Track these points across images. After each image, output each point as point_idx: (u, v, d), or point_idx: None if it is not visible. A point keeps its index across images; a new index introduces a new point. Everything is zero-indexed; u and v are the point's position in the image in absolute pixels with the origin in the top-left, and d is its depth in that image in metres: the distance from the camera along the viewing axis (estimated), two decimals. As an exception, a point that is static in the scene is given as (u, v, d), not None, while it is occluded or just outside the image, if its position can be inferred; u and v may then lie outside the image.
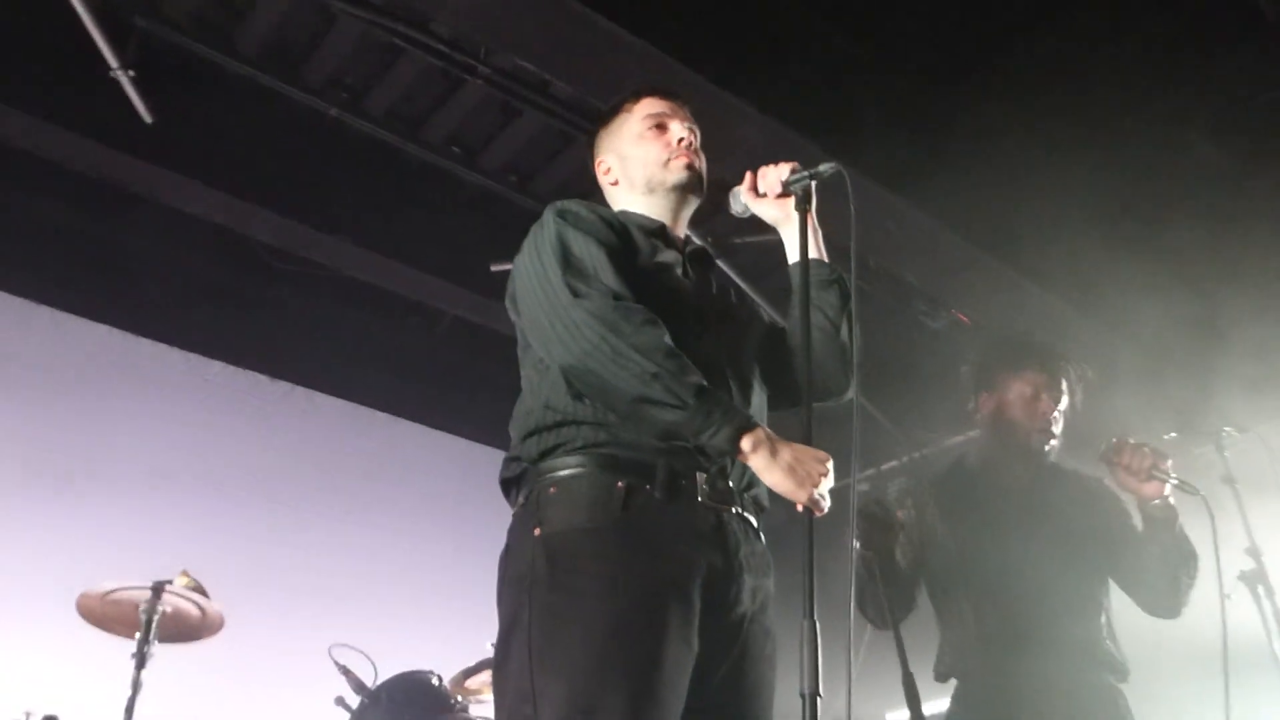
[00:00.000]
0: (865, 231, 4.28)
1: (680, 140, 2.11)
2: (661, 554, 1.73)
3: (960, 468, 2.96)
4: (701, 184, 2.13)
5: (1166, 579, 2.62)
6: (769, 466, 1.71)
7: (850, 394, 2.09)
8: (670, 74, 3.65)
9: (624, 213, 2.11)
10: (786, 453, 1.71)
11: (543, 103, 4.39)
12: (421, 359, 5.59)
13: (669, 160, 2.09)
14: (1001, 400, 2.84)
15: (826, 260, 2.09)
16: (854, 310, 2.09)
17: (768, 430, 1.75)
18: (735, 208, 2.11)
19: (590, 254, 1.87)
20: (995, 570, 2.65)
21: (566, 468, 1.80)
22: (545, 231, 1.93)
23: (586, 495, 1.77)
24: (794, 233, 1.99)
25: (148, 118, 4.03)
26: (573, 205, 2.00)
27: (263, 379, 5.13)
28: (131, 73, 3.92)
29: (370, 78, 4.44)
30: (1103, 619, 2.69)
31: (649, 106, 2.17)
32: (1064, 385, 2.83)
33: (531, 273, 1.89)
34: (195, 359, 4.96)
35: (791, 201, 2.00)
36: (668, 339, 1.77)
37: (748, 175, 2.10)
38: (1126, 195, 4.17)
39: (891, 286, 5.11)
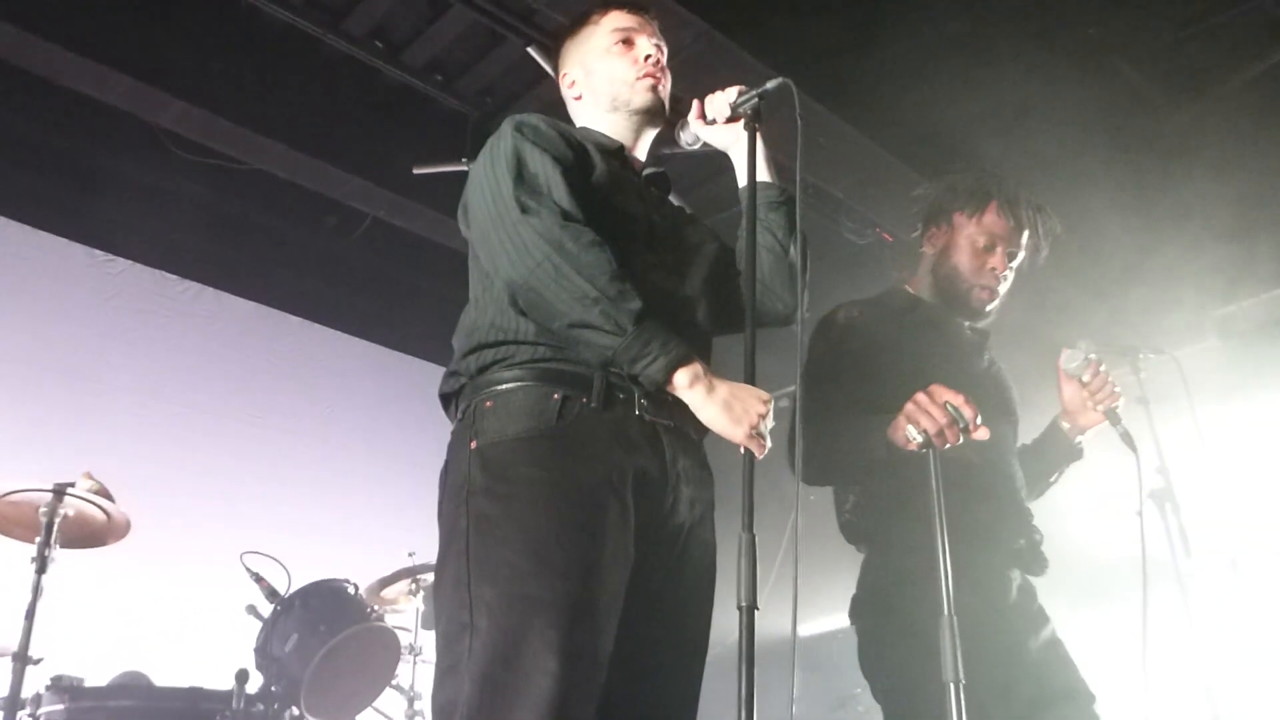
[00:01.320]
0: (803, 149, 4.41)
1: (647, 58, 2.09)
2: (595, 459, 1.74)
3: (903, 304, 2.59)
4: (664, 108, 2.10)
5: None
6: (704, 403, 1.72)
7: (790, 319, 2.06)
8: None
9: (585, 130, 2.10)
10: (723, 389, 1.72)
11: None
12: (338, 262, 5.45)
13: (635, 79, 2.08)
14: (950, 241, 2.55)
15: (775, 181, 2.08)
16: (801, 230, 2.04)
17: (705, 366, 1.75)
18: (685, 139, 2.09)
19: (545, 171, 1.85)
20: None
21: (504, 382, 1.80)
22: (501, 144, 1.90)
23: (522, 406, 1.77)
24: (743, 155, 1.96)
25: None
26: (532, 119, 1.96)
27: (170, 278, 4.96)
28: None
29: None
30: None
31: (616, 20, 2.14)
32: (1024, 239, 2.54)
33: (484, 185, 1.86)
34: (98, 255, 4.76)
35: (741, 124, 1.98)
36: (613, 262, 1.75)
37: (694, 104, 2.07)
38: (1057, 118, 4.21)
39: (818, 201, 5.05)
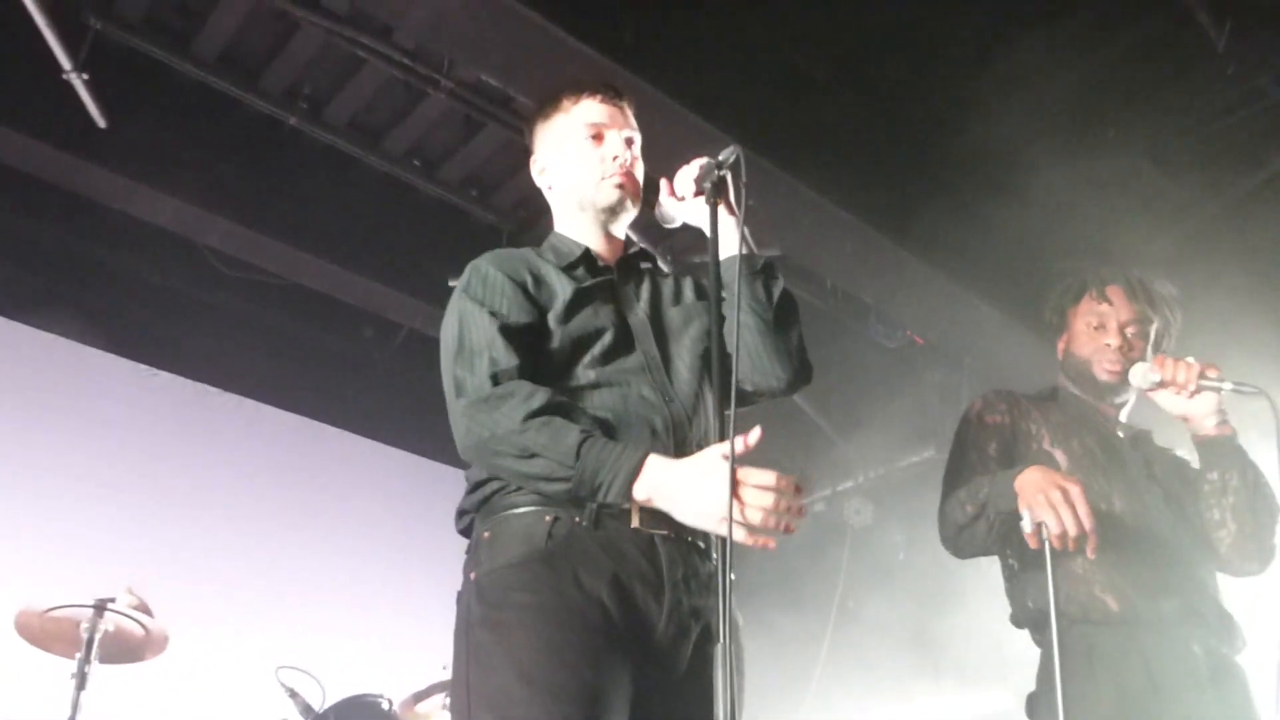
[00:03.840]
0: (824, 252, 4.48)
1: (615, 157, 2.03)
2: (586, 578, 1.70)
3: (1056, 392, 2.66)
4: (635, 198, 2.05)
5: (1243, 522, 2.38)
6: (672, 506, 1.66)
7: (793, 387, 1.98)
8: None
9: (554, 237, 2.09)
10: (684, 487, 1.63)
11: (504, 116, 4.39)
12: (376, 373, 5.50)
13: (601, 180, 2.03)
14: (1070, 338, 2.64)
15: (750, 252, 1.96)
16: (785, 288, 1.98)
17: (663, 468, 1.66)
18: (665, 221, 2.05)
19: (481, 330, 1.83)
20: (1110, 508, 2.39)
21: (504, 509, 1.80)
22: (450, 311, 1.92)
23: (516, 531, 1.76)
24: (723, 228, 1.91)
25: (101, 121, 3.95)
26: (481, 266, 1.96)
27: (211, 390, 5.01)
28: (85, 75, 3.84)
29: (331, 87, 4.43)
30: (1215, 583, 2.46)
31: (589, 112, 2.08)
32: (1131, 310, 2.55)
33: (442, 349, 1.89)
34: (141, 368, 4.83)
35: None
36: (536, 405, 1.71)
37: (663, 183, 2.03)
38: (1079, 221, 4.24)
39: (849, 306, 5.12)
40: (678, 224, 2.03)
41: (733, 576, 1.65)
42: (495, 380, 1.77)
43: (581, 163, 2.05)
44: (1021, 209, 3.99)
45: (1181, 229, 4.34)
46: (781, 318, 1.96)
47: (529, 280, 1.94)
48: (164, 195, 4.32)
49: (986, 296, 4.68)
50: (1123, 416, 2.62)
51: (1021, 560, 2.45)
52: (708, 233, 1.92)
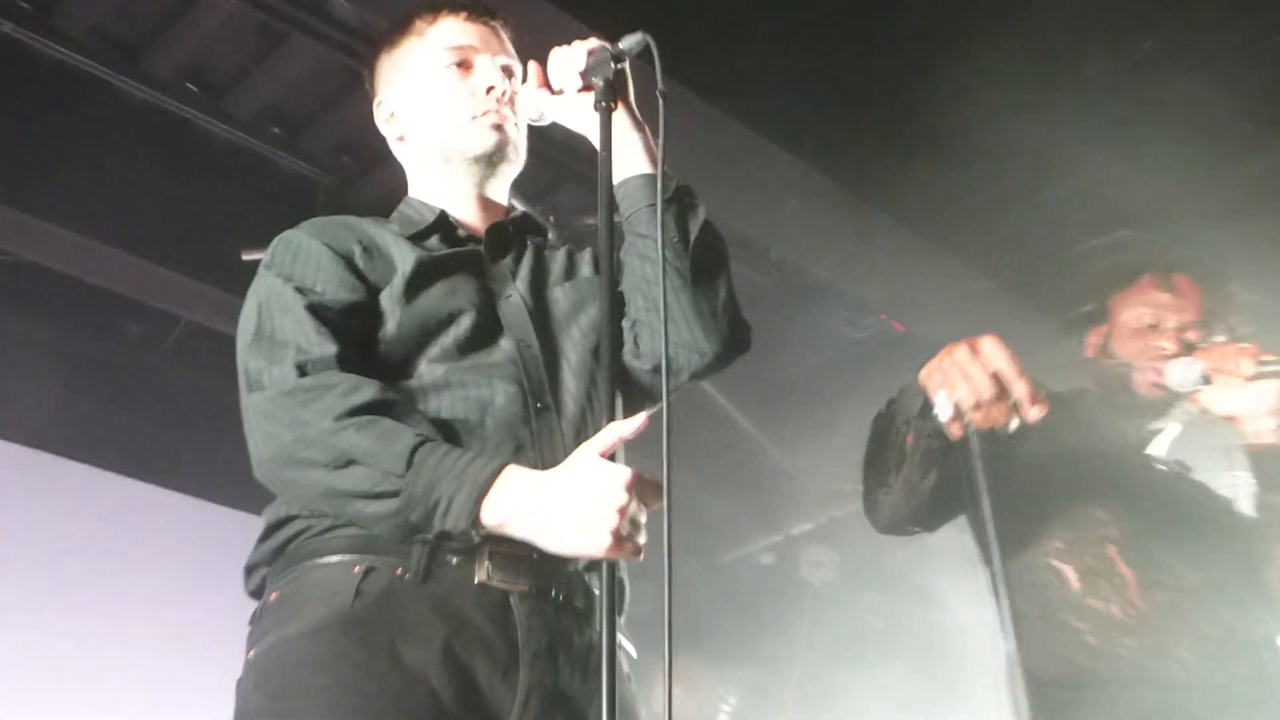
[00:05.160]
0: (765, 211, 4.50)
1: (489, 89, 2.02)
2: (405, 650, 1.64)
3: (1082, 399, 2.73)
4: (512, 150, 2.05)
5: None
6: (537, 532, 1.60)
7: (722, 360, 1.97)
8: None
9: (404, 204, 2.09)
10: (558, 498, 1.59)
11: (316, 24, 4.29)
12: (141, 384, 5.29)
13: (471, 119, 2.02)
14: (1110, 332, 2.68)
15: (656, 171, 1.90)
16: (707, 232, 1.95)
17: (524, 482, 1.62)
18: (530, 114, 2.02)
19: (287, 312, 1.82)
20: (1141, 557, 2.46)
21: (301, 560, 1.75)
22: (250, 294, 1.90)
23: (315, 591, 1.70)
24: (621, 142, 1.89)
25: None
26: (292, 236, 1.94)
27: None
28: None
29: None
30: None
31: (449, 33, 2.07)
32: (1204, 307, 2.61)
33: (237, 347, 1.86)
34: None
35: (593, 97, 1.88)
36: (357, 401, 1.68)
37: (534, 69, 1.99)
38: (1111, 169, 4.32)
39: (799, 284, 5.17)
40: (544, 123, 2.01)
41: (630, 648, 1.58)
42: (302, 371, 1.74)
43: (443, 99, 2.03)
44: (1033, 156, 4.09)
45: (1246, 171, 4.48)
46: (703, 263, 1.91)
47: (356, 251, 1.92)
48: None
49: (987, 270, 4.73)
50: (1161, 448, 2.67)
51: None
52: (591, 140, 1.90)
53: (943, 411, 2.10)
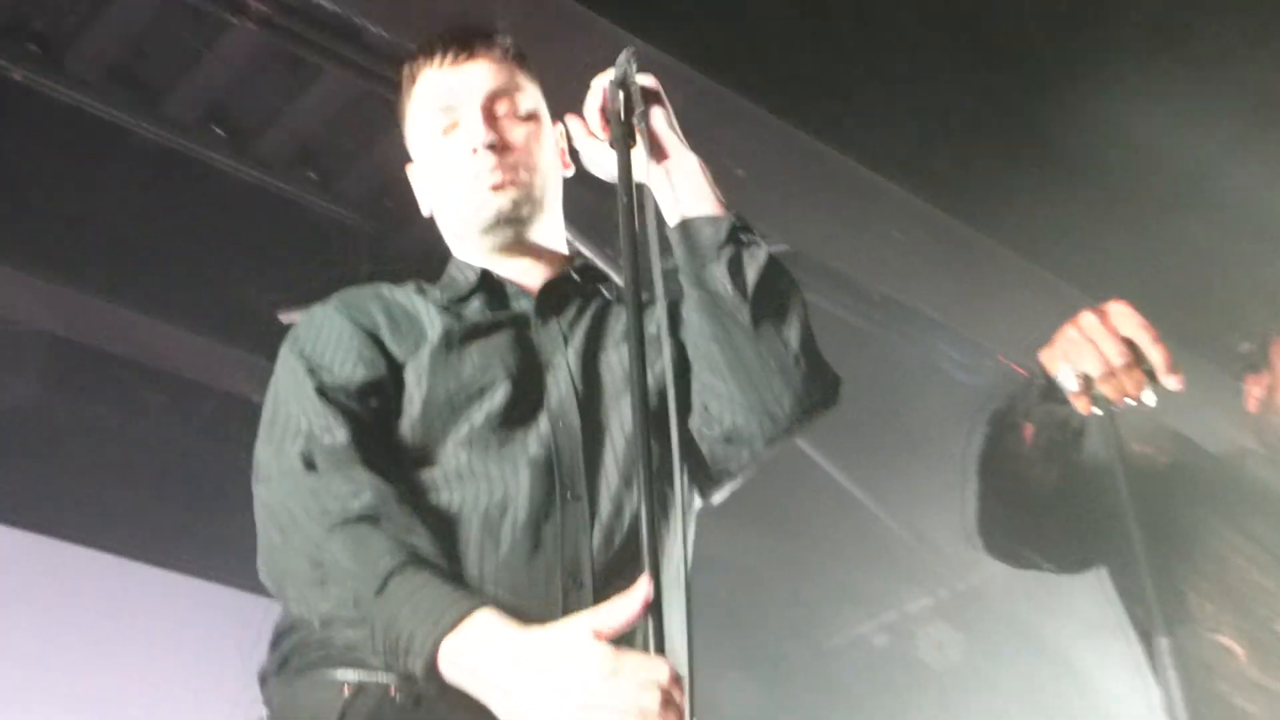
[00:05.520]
0: (864, 245, 4.40)
1: (475, 149, 2.00)
2: None
3: (1243, 463, 2.63)
4: (531, 197, 2.02)
5: None
6: (491, 699, 1.56)
7: (804, 419, 1.91)
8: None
9: (451, 265, 2.09)
10: (524, 679, 1.53)
11: (353, 56, 4.28)
12: (170, 460, 5.23)
13: (468, 187, 2.01)
14: (1275, 384, 2.60)
15: (709, 213, 1.90)
16: (771, 274, 1.90)
17: (490, 636, 1.57)
18: (593, 168, 2.01)
19: (298, 394, 1.83)
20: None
21: (298, 671, 1.75)
22: (275, 369, 1.93)
23: (298, 709, 1.71)
24: (656, 185, 1.90)
25: None
26: (318, 309, 1.96)
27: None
28: None
29: (75, 19, 4.26)
30: None
31: (431, 90, 2.06)
32: None
33: None
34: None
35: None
36: (357, 506, 1.67)
37: (573, 122, 2.00)
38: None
39: (904, 324, 5.11)
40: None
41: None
42: (309, 462, 1.75)
43: (438, 168, 2.06)
44: (1172, 180, 4.10)
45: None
46: (766, 312, 1.85)
47: (382, 323, 1.93)
48: None
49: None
50: None
51: None
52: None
53: (1068, 383, 2.01)
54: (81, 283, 4.55)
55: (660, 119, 1.90)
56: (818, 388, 1.88)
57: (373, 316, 1.95)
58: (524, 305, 2.01)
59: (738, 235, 1.88)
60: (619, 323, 2.03)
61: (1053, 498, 2.28)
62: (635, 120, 1.87)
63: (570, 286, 2.04)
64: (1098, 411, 2.02)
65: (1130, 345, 1.99)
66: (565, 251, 2.11)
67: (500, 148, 2.00)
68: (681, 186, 1.88)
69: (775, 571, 5.82)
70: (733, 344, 1.85)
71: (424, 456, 1.83)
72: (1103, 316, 2.02)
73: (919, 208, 4.41)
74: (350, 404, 1.82)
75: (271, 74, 4.50)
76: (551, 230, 2.08)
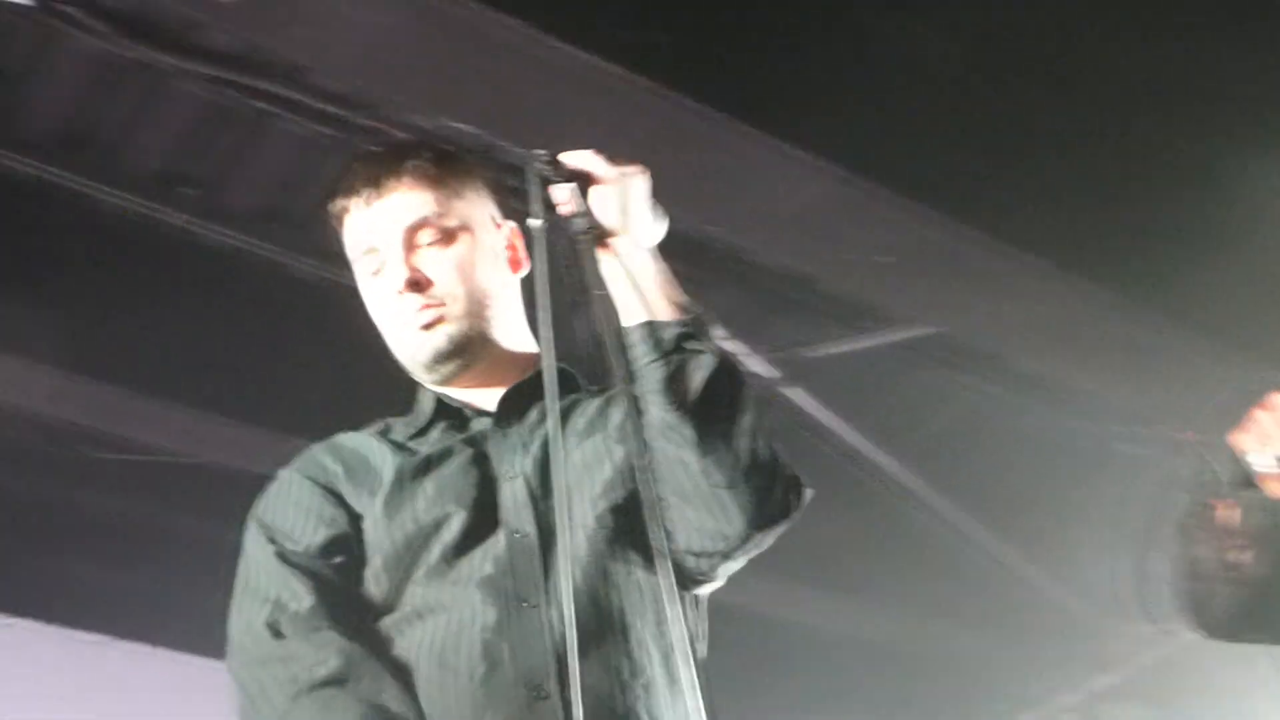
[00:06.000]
0: (1009, 320, 4.34)
1: (400, 291, 1.92)
2: None
3: None
4: (468, 332, 1.94)
5: None
6: None
7: (757, 537, 1.77)
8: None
9: (419, 391, 2.01)
10: None
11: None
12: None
13: (400, 329, 1.94)
14: None
15: (648, 319, 1.75)
16: (717, 385, 1.74)
17: None
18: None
19: (259, 564, 1.84)
20: None
21: None
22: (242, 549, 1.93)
23: None
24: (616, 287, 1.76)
25: None
26: (281, 474, 1.94)
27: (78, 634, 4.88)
28: None
29: (221, 163, 4.32)
30: None
31: (355, 234, 1.97)
32: None
33: None
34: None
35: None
36: (320, 674, 1.69)
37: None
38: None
39: (1060, 399, 5.02)
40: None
41: None
42: (275, 630, 1.75)
43: (374, 313, 1.98)
44: None
45: None
46: (711, 423, 1.71)
47: (340, 475, 1.90)
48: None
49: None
50: None
51: None
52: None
53: (1262, 467, 2.07)
54: (223, 406, 4.68)
55: (611, 203, 1.77)
56: (771, 502, 1.75)
57: (330, 470, 1.92)
58: (484, 424, 1.96)
59: (682, 342, 1.73)
60: (583, 417, 1.95)
61: (1265, 583, 2.28)
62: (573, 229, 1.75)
63: (532, 389, 1.92)
64: None
65: None
66: (532, 350, 1.99)
67: (424, 284, 1.92)
68: (623, 289, 1.75)
69: (947, 657, 5.69)
70: (676, 464, 1.71)
71: (390, 603, 1.82)
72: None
73: (1067, 282, 4.42)
74: (314, 567, 1.82)
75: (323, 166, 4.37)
76: (509, 337, 2.00)
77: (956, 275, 4.38)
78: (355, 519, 1.86)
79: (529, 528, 1.82)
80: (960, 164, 4.14)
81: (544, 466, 1.85)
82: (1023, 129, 4.18)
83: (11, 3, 3.84)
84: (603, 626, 1.75)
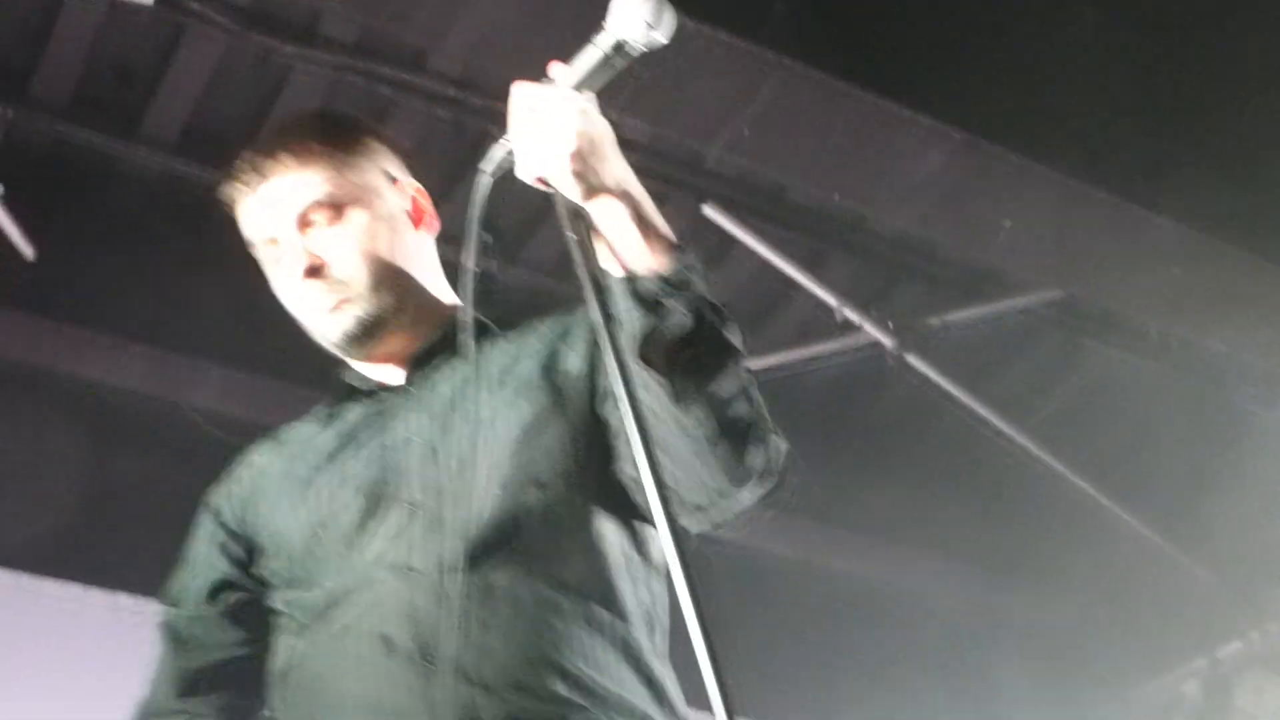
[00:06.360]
0: (1140, 284, 4.29)
1: (300, 279, 1.88)
2: None
3: None
4: (375, 302, 1.88)
5: None
6: None
7: (736, 496, 1.68)
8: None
9: (341, 369, 1.99)
10: None
11: (426, 85, 4.30)
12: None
13: (309, 313, 1.91)
14: None
15: (625, 273, 1.63)
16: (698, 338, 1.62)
17: None
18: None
19: (189, 561, 1.98)
20: None
21: None
22: None
23: None
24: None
25: (27, 251, 4.07)
26: (229, 473, 2.01)
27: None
28: None
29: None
30: None
31: (250, 224, 1.94)
32: None
33: None
34: (120, 597, 4.75)
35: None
36: (157, 700, 1.92)
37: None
38: None
39: (1191, 361, 5.02)
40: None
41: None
42: (167, 629, 1.96)
43: (281, 297, 1.95)
44: None
45: None
46: (687, 376, 1.61)
47: (236, 503, 1.96)
48: (126, 342, 4.42)
49: None
50: None
51: None
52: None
53: None
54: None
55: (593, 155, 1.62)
56: (751, 459, 1.67)
57: (221, 506, 1.97)
58: (399, 387, 1.93)
59: (670, 291, 1.62)
60: (501, 360, 1.89)
61: None
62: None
63: (444, 345, 1.89)
64: None
65: None
66: (448, 301, 1.97)
67: (323, 270, 1.88)
68: (607, 237, 1.63)
69: (1077, 624, 5.65)
70: (652, 416, 1.58)
71: (300, 585, 1.84)
72: None
73: (1199, 242, 4.34)
74: (195, 630, 1.95)
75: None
76: (425, 296, 1.95)
77: (1079, 239, 4.34)
78: (252, 541, 1.92)
79: (424, 495, 1.78)
80: (1084, 127, 4.15)
81: (445, 425, 1.82)
82: (1147, 90, 4.15)
83: (133, 2, 3.92)
84: (526, 573, 1.71)
